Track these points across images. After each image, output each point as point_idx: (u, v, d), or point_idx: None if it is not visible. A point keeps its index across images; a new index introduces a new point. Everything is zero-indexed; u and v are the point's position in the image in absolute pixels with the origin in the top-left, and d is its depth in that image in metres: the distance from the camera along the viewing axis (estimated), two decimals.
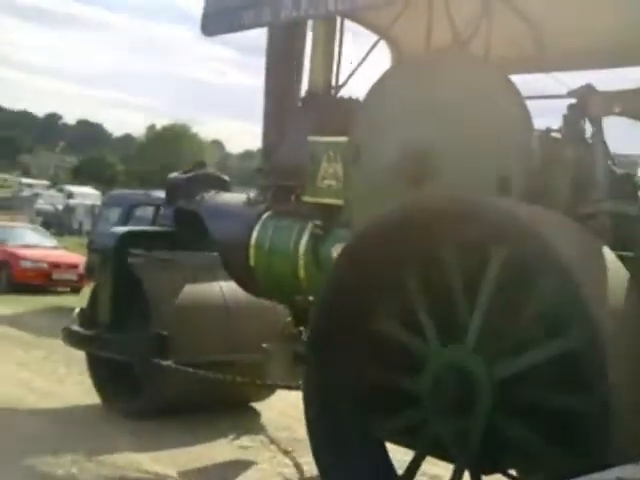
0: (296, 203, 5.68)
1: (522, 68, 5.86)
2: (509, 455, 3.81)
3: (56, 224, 34.22)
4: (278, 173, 5.93)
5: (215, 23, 5.63)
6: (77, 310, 7.18)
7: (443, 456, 4.16)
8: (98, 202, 33.34)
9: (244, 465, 5.86)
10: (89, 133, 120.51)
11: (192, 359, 6.29)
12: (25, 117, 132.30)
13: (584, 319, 3.24)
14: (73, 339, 7.07)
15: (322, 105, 5.73)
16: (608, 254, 3.58)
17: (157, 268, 6.89)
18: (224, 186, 7.01)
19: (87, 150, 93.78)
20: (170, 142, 65.15)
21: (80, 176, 77.46)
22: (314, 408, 4.33)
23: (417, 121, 4.59)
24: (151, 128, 77.09)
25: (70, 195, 50.34)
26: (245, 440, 6.32)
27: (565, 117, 4.46)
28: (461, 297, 3.80)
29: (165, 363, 6.22)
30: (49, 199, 45.63)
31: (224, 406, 6.84)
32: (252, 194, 6.26)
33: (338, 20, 5.85)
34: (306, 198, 5.50)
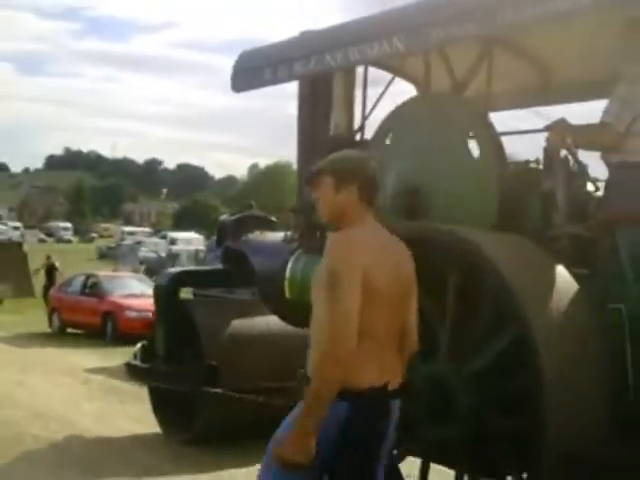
0: (322, 239, 6.50)
1: (527, 102, 6.56)
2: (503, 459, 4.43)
3: (160, 272, 35.15)
4: (308, 212, 6.79)
5: (243, 80, 6.52)
6: (138, 346, 8.21)
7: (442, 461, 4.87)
8: (202, 247, 34.51)
9: None
10: (190, 177, 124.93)
11: (240, 386, 7.16)
12: (125, 164, 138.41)
13: (517, 320, 3.96)
14: (132, 372, 8.12)
15: (343, 148, 6.55)
16: (558, 269, 4.27)
17: (206, 304, 7.88)
18: (270, 226, 7.92)
19: (188, 194, 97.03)
20: (275, 181, 65.74)
21: (182, 221, 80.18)
22: None
23: (409, 158, 5.39)
24: (253, 167, 78.64)
25: (173, 241, 51.79)
26: None
27: (544, 149, 5.17)
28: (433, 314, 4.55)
29: (214, 390, 7.12)
30: (152, 246, 46.76)
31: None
32: (289, 232, 7.17)
33: (361, 68, 6.69)
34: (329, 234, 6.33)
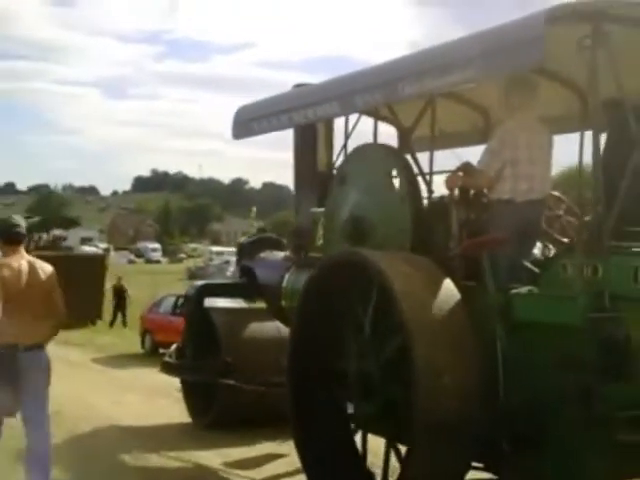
0: (306, 257, 8.33)
1: (471, 141, 8.20)
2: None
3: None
4: (299, 235, 8.63)
5: (239, 130, 8.37)
6: (174, 346, 10.14)
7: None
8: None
9: (278, 457, 8.53)
10: (275, 196, 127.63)
11: (250, 379, 8.98)
12: (211, 184, 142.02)
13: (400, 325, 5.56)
14: (166, 368, 10.06)
15: (322, 181, 8.34)
16: (444, 281, 5.81)
17: (225, 311, 9.81)
18: (279, 246, 9.81)
19: (274, 213, 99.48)
20: None
21: None
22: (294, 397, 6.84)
23: (355, 193, 7.13)
24: None
25: None
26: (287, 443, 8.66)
27: None
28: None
29: (227, 382, 8.98)
30: None
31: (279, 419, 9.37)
32: (289, 252, 9.07)
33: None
34: (311, 254, 8.16)
